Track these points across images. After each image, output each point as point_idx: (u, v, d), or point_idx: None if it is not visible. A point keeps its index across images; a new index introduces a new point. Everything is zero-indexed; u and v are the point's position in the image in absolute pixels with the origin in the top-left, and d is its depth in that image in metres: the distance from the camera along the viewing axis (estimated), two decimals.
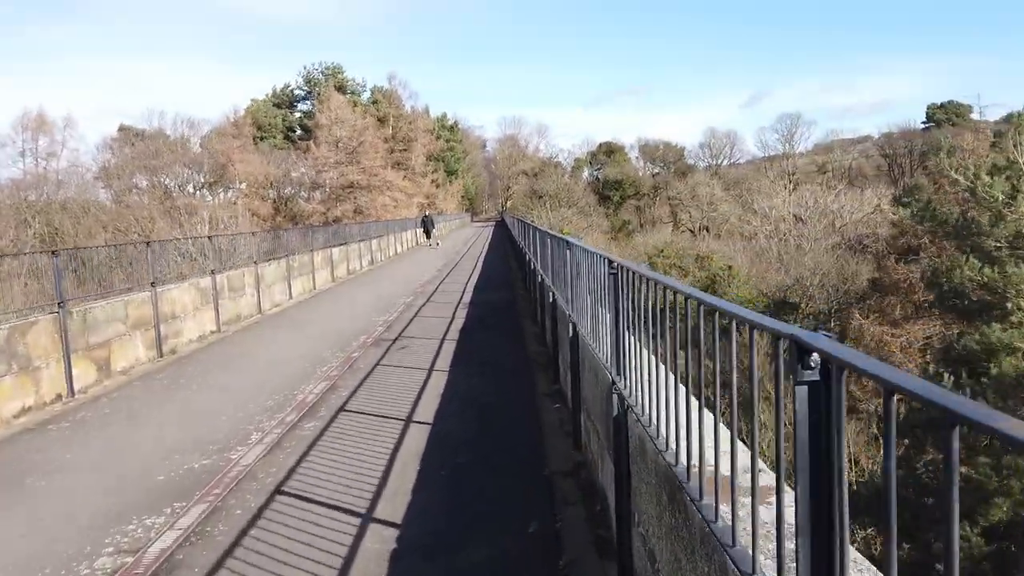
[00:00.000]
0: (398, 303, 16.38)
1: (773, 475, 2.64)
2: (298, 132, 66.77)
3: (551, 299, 8.70)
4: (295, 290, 17.91)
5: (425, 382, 8.87)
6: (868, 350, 31.30)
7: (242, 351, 11.70)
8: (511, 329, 12.62)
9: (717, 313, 2.10)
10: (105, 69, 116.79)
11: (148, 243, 10.92)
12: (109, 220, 54.70)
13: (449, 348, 10.95)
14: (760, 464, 1.94)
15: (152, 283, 10.90)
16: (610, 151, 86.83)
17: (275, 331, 13.57)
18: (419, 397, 8.21)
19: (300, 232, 20.38)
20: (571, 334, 6.37)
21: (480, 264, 26.83)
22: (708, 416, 2.86)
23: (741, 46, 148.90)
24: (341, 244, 23.44)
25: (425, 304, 16.04)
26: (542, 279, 10.50)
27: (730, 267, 47.63)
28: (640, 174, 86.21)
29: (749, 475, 1.99)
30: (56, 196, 61.34)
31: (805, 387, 1.49)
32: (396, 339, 11.94)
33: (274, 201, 62.97)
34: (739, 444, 2.26)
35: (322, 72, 66.56)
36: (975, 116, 78.29)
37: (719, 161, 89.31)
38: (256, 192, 62.64)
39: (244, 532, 4.99)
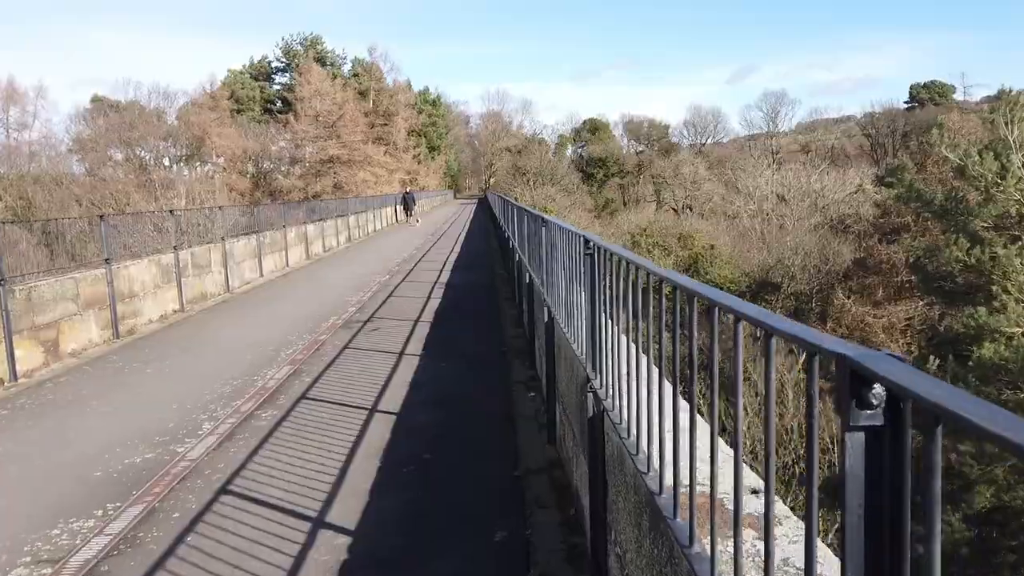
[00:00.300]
0: (373, 283, 15.80)
1: (799, 524, 2.16)
2: (278, 105, 65.37)
3: (528, 279, 8.20)
4: (266, 268, 17.26)
5: (394, 368, 8.36)
6: (849, 330, 31.17)
7: (204, 332, 11.11)
8: (488, 311, 12.12)
9: (718, 309, 1.61)
10: (78, 37, 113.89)
11: (102, 216, 10.24)
12: (83, 193, 53.44)
13: (422, 331, 10.43)
14: (778, 508, 1.47)
15: (107, 259, 10.25)
16: (595, 128, 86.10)
17: (241, 311, 12.97)
18: (386, 384, 7.70)
19: (273, 208, 19.67)
20: (547, 319, 5.88)
21: (460, 243, 26.25)
22: (703, 429, 2.38)
23: (727, 19, 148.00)
24: (317, 220, 22.75)
25: (401, 283, 15.49)
26: (519, 258, 10.00)
27: (712, 246, 47.45)
28: (624, 152, 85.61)
29: (762, 518, 1.52)
30: (28, 168, 59.85)
31: (861, 434, 1.00)
32: (367, 321, 11.40)
33: (253, 176, 61.86)
34: (745, 469, 1.77)
35: (301, 43, 65.13)
36: (959, 96, 78.33)
37: (703, 140, 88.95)
38: (234, 166, 61.48)
39: (180, 539, 4.48)
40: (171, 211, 12.43)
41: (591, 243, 3.22)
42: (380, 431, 6.26)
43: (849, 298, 35.00)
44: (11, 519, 4.83)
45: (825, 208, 58.72)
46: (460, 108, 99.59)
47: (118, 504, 5.03)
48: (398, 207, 40.84)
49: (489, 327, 10.73)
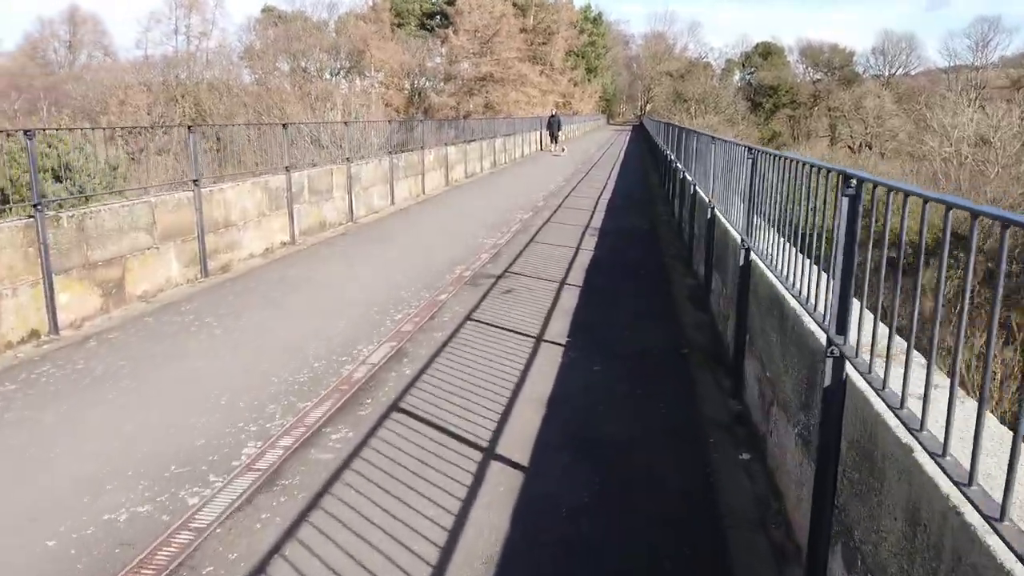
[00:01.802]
0: (514, 220, 13.28)
1: None
2: (436, 20, 63.23)
3: (742, 252, 5.26)
4: (399, 195, 15.15)
5: (527, 365, 5.81)
6: None
7: (306, 275, 9.05)
8: (654, 275, 9.27)
9: None
10: None
11: (189, 127, 8.24)
12: (251, 102, 54.65)
13: (568, 300, 7.78)
14: None
15: (195, 180, 8.29)
16: (767, 52, 77.75)
17: (358, 247, 10.86)
18: (513, 398, 5.18)
19: (409, 126, 17.44)
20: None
21: (615, 176, 23.10)
22: None
23: None
24: (460, 142, 20.40)
25: (545, 225, 12.84)
26: (710, 208, 7.02)
27: None
28: (798, 80, 77.09)
29: None
30: (205, 75, 62.00)
31: None
32: (501, 276, 8.90)
33: (409, 92, 60.78)
34: None
35: None
36: None
37: (893, 70, 78.31)
38: (391, 81, 60.64)
39: None
40: (284, 125, 10.35)
41: None
42: (493, 510, 3.74)
43: None
44: None
45: None
46: (620, 28, 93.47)
47: None
48: (543, 131, 36.16)
49: (658, 303, 7.91)
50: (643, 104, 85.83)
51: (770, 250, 4.03)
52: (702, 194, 8.20)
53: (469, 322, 7.02)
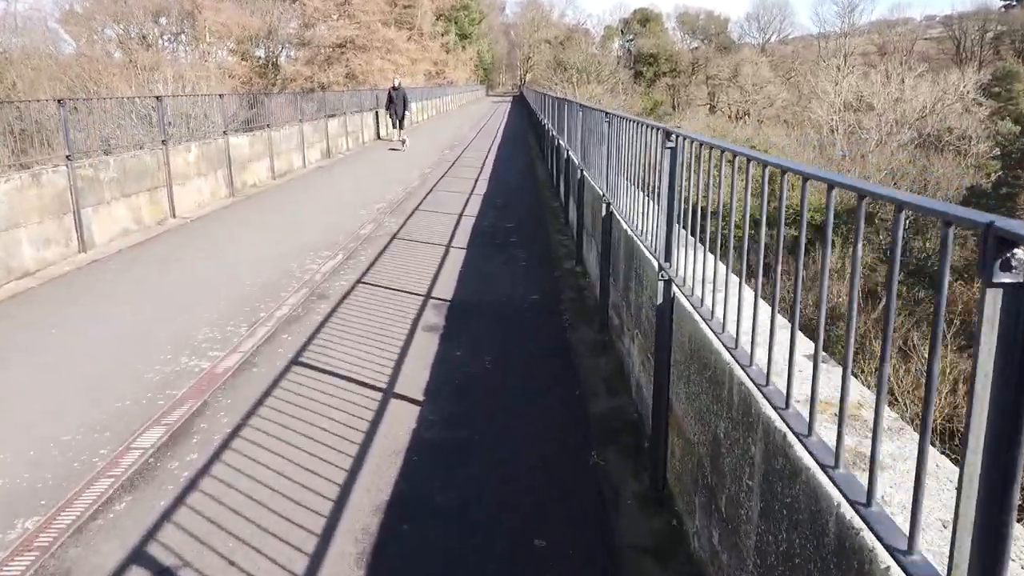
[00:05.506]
0: (298, 280, 6.96)
1: None
2: None
3: None
4: (107, 228, 8.37)
5: None
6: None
7: None
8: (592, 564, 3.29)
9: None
10: None
11: None
12: (59, 73, 44.63)
13: None
14: None
15: None
16: (645, 19, 73.53)
17: None
18: None
19: (150, 102, 10.55)
20: None
21: (488, 170, 16.94)
22: None
23: None
24: (257, 128, 13.64)
25: (351, 293, 6.59)
26: None
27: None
28: (677, 48, 73.47)
29: None
30: (12, 45, 50.75)
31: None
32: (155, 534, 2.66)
33: (261, 61, 52.20)
34: None
35: None
36: None
37: (768, 36, 76.16)
38: (241, 49, 51.85)
39: None
40: None
41: None
42: None
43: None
44: None
45: (919, 121, 48.34)
46: None
47: None
48: (380, 112, 24.46)
49: None
50: (523, 74, 80.00)
51: None
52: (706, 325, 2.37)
53: None
